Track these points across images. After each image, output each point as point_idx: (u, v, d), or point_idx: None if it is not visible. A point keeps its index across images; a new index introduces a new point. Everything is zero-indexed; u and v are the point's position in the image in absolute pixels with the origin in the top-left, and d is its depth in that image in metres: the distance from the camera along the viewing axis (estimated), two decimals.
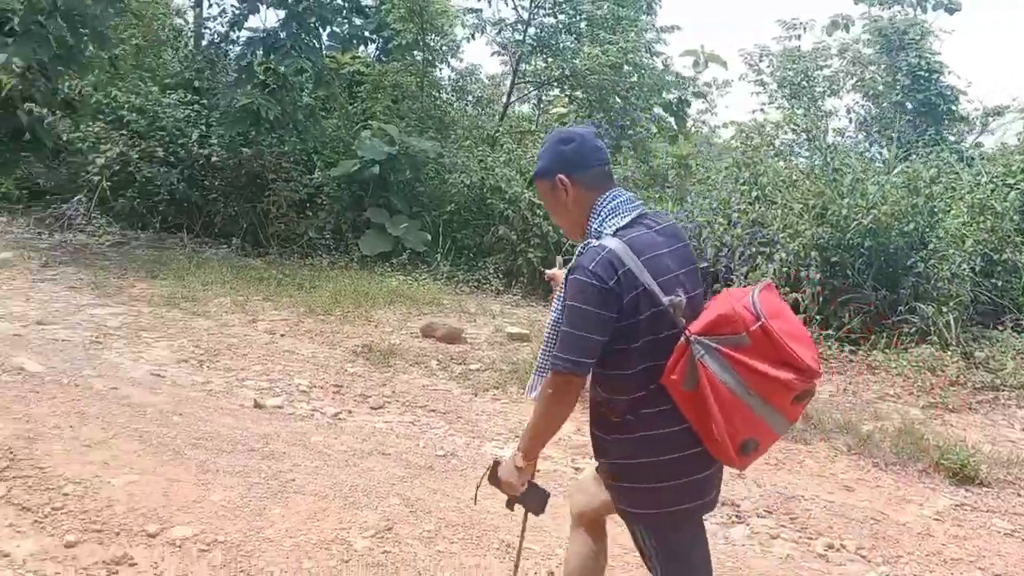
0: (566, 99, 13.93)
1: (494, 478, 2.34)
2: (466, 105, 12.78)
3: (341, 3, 11.74)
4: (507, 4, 11.53)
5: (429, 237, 10.21)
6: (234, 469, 3.93)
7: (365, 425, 5.06)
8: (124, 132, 10.80)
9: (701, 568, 2.29)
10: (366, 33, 17.06)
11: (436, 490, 4.04)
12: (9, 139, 12.81)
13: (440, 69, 13.02)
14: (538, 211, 9.26)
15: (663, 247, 2.13)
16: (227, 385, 5.51)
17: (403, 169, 10.20)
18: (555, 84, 12.43)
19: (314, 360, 6.32)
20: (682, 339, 2.02)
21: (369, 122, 10.42)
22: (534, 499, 2.36)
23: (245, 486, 3.75)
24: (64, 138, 12.00)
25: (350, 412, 5.33)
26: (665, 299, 2.04)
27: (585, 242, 2.15)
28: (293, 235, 10.54)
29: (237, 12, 9.67)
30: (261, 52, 9.35)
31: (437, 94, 12.27)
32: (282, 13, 10.03)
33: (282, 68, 9.01)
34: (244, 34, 10.71)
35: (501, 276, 9.51)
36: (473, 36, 11.61)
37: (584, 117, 11.31)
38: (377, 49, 16.71)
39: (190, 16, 12.29)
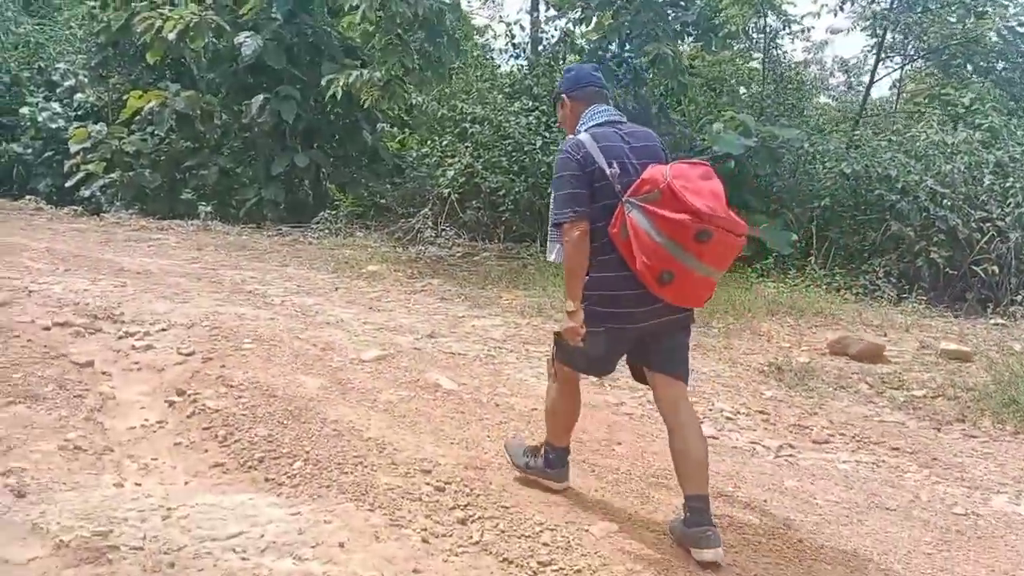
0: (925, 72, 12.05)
1: (559, 342, 3.02)
2: (809, 88, 11.46)
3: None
4: None
5: (795, 237, 9.01)
6: (718, 520, 3.21)
7: (825, 465, 4.16)
8: (468, 144, 10.89)
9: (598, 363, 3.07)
10: (677, 27, 16.30)
11: (991, 567, 3.03)
12: (356, 157, 13.62)
13: (780, 52, 11.81)
14: (945, 201, 7.73)
15: (624, 141, 2.92)
16: (641, 407, 4.90)
17: (762, 163, 9.15)
18: (925, 57, 10.64)
19: (720, 380, 5.54)
20: (620, 202, 2.79)
21: (722, 113, 9.49)
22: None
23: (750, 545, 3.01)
24: (412, 155, 12.49)
25: (791, 446, 4.47)
26: (608, 171, 2.79)
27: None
28: None
29: (585, 9, 9.25)
30: (616, 44, 8.84)
31: (792, 76, 11.03)
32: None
33: (638, 60, 8.43)
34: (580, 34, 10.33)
35: (895, 280, 8.04)
36: (842, 7, 10.25)
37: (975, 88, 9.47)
38: (695, 40, 15.81)
39: (526, 22, 12.19)
